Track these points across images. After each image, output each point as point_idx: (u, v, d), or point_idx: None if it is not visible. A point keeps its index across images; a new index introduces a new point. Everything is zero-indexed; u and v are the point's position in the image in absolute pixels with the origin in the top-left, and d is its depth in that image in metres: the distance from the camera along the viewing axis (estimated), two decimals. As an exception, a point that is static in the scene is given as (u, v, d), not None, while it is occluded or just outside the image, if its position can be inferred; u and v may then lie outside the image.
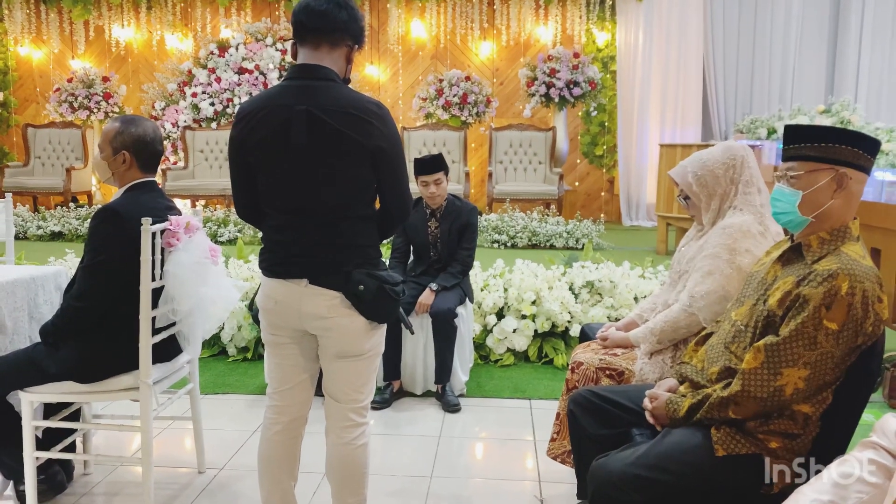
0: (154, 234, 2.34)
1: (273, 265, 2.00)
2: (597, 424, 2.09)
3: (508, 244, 6.58)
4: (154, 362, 2.42)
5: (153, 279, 2.36)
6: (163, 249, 2.41)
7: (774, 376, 1.69)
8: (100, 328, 2.37)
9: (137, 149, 2.44)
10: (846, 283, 1.65)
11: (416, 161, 3.67)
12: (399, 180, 2.01)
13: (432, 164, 3.64)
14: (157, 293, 2.41)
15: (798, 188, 1.77)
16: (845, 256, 1.71)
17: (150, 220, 2.29)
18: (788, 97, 8.56)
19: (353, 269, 1.94)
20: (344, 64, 2.00)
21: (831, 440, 1.75)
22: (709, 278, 2.30)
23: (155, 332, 2.42)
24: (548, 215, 7.18)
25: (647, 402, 1.97)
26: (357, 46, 2.02)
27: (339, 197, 1.92)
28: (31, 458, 2.42)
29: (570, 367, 2.54)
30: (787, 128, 1.84)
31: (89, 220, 2.44)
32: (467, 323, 3.85)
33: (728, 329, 1.91)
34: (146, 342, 2.36)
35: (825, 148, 1.73)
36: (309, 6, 1.93)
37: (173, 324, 2.51)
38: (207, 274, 2.47)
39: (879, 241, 4.68)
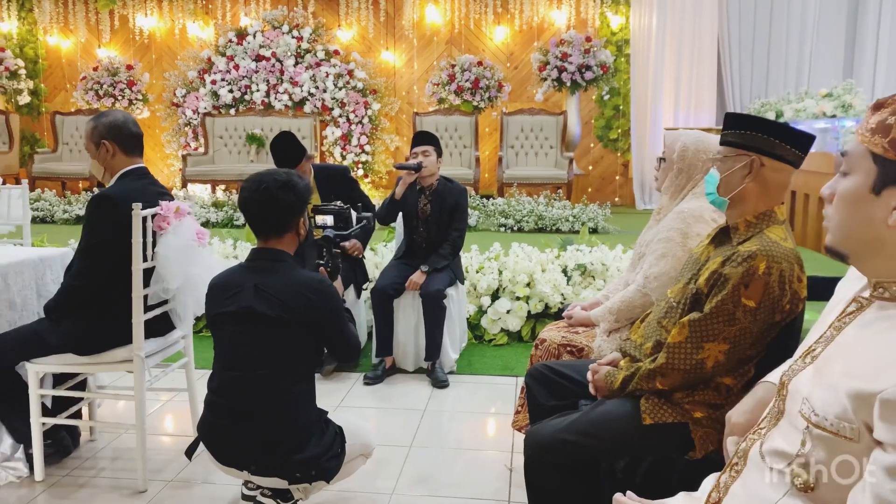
0: (145, 218, 2.53)
1: None
2: (548, 396, 2.23)
3: (515, 228, 6.70)
4: (147, 337, 2.62)
5: (144, 260, 2.55)
6: (154, 232, 2.60)
7: (696, 350, 1.82)
8: (96, 305, 2.57)
9: (114, 134, 2.63)
10: (763, 263, 1.76)
11: (414, 134, 3.99)
12: None
13: (424, 137, 3.90)
14: (149, 273, 2.60)
15: (719, 171, 1.89)
16: (766, 239, 1.82)
17: (140, 205, 2.48)
18: (805, 80, 8.45)
19: None
20: None
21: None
22: (662, 260, 2.42)
23: (147, 309, 2.62)
24: (555, 199, 7.25)
25: (590, 375, 2.11)
26: None
27: None
28: (38, 423, 2.64)
29: (535, 343, 2.68)
30: (726, 115, 1.95)
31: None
32: (457, 304, 4.00)
33: (662, 306, 2.04)
34: (138, 318, 2.56)
35: (742, 135, 1.85)
36: None
37: (166, 301, 2.71)
38: (195, 255, 2.66)
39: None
